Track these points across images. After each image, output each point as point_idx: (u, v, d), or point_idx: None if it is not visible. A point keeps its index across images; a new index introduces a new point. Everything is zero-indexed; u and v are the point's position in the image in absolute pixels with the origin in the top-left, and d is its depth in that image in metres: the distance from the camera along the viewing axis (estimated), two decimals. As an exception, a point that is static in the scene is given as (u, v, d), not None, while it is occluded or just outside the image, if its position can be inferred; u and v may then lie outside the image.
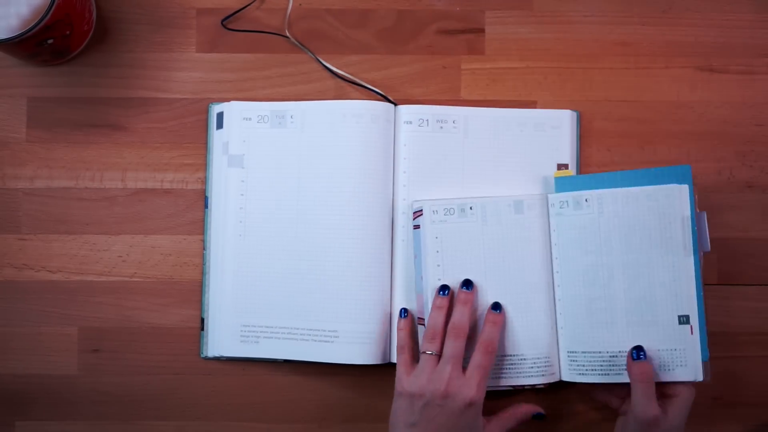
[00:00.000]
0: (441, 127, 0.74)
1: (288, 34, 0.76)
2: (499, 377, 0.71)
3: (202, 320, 0.75)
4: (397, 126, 0.74)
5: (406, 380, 0.68)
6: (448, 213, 0.72)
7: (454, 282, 0.71)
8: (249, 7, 0.76)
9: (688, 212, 0.69)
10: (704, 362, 0.68)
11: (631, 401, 0.67)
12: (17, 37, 0.66)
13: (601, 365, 0.70)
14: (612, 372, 0.70)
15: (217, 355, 0.74)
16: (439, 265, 0.71)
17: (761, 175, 0.76)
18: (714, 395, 0.75)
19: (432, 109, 0.74)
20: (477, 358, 0.67)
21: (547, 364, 0.71)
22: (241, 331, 0.73)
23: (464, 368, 0.67)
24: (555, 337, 0.71)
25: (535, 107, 0.76)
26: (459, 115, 0.74)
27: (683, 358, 0.68)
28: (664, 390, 0.68)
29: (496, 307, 0.70)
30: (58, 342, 0.75)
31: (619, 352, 0.69)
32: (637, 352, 0.68)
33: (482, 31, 0.76)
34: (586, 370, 0.70)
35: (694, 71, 0.76)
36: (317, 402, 0.75)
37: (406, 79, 0.76)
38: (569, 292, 0.71)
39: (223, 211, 0.74)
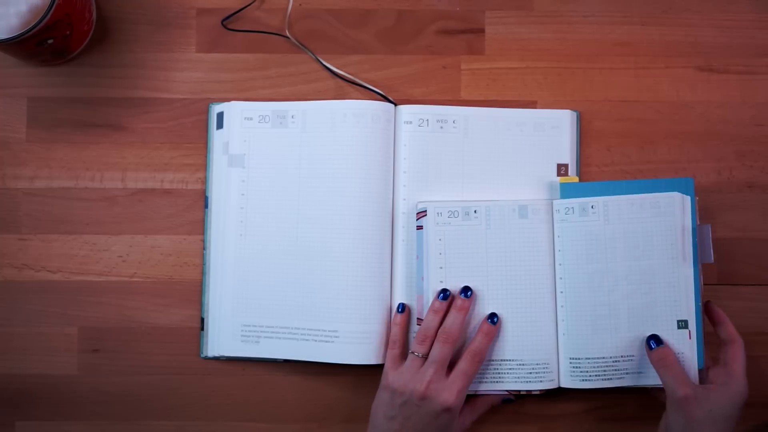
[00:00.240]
0: (441, 127, 0.74)
1: (288, 34, 0.76)
2: (497, 381, 0.71)
3: (202, 320, 0.75)
4: (397, 126, 0.74)
5: (391, 375, 0.69)
6: (452, 215, 0.72)
7: (455, 284, 0.71)
8: (249, 7, 0.76)
9: (689, 221, 0.69)
10: (700, 370, 0.69)
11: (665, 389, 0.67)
12: (17, 37, 0.66)
13: (605, 371, 0.70)
14: (615, 376, 0.70)
15: (217, 355, 0.74)
16: (441, 268, 0.71)
17: (761, 175, 0.76)
18: (714, 395, 0.75)
19: (432, 109, 0.74)
20: (463, 365, 0.68)
21: (546, 370, 0.71)
22: (242, 330, 0.73)
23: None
24: (555, 344, 0.71)
25: (535, 107, 0.76)
26: (459, 115, 0.74)
27: (681, 362, 0.68)
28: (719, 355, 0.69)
29: (493, 318, 0.70)
30: (58, 342, 0.75)
31: (621, 356, 0.70)
32: (653, 341, 0.68)
33: (482, 31, 0.76)
34: (590, 376, 0.70)
35: (694, 71, 0.76)
36: (317, 402, 0.75)
37: (406, 79, 0.76)
38: (573, 298, 0.71)
39: (223, 211, 0.74)
